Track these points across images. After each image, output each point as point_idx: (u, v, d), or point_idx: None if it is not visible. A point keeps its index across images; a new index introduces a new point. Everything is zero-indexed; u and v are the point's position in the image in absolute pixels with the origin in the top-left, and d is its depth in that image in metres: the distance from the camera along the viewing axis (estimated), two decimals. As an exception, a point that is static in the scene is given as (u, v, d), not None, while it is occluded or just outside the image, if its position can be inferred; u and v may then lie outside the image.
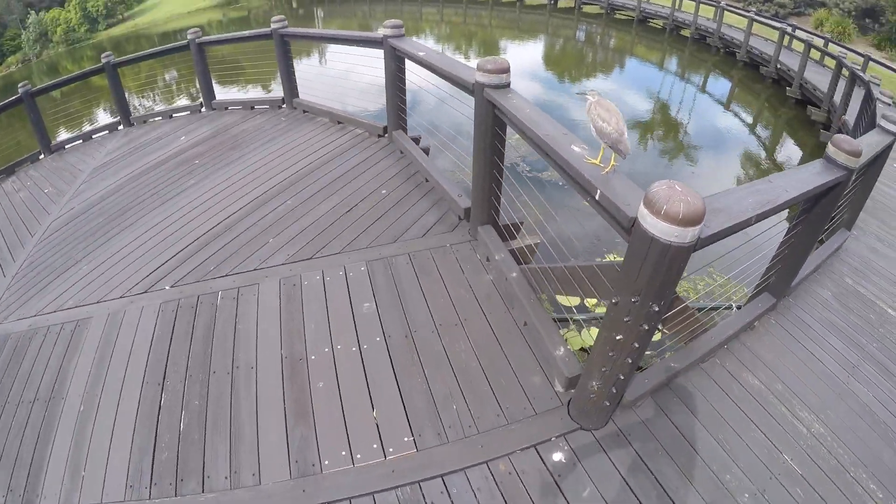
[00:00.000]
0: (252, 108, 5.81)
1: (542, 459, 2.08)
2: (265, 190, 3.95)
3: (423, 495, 1.97)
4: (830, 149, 2.30)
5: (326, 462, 2.08)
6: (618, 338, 1.82)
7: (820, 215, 2.45)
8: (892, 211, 4.58)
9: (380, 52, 4.15)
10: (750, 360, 2.57)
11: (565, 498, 1.97)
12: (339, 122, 4.99)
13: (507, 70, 2.63)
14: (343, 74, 6.55)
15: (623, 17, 19.46)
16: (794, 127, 10.62)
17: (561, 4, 21.69)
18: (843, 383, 2.54)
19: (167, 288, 3.06)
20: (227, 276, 3.08)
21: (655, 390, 2.30)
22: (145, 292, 3.07)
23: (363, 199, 3.65)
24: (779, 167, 8.98)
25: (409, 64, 3.98)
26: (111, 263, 3.53)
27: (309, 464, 2.08)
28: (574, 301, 4.61)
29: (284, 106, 5.59)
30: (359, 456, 2.09)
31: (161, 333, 2.77)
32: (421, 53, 3.62)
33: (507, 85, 2.65)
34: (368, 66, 4.52)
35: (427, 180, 3.80)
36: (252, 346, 2.61)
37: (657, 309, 1.71)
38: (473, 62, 2.88)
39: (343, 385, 2.38)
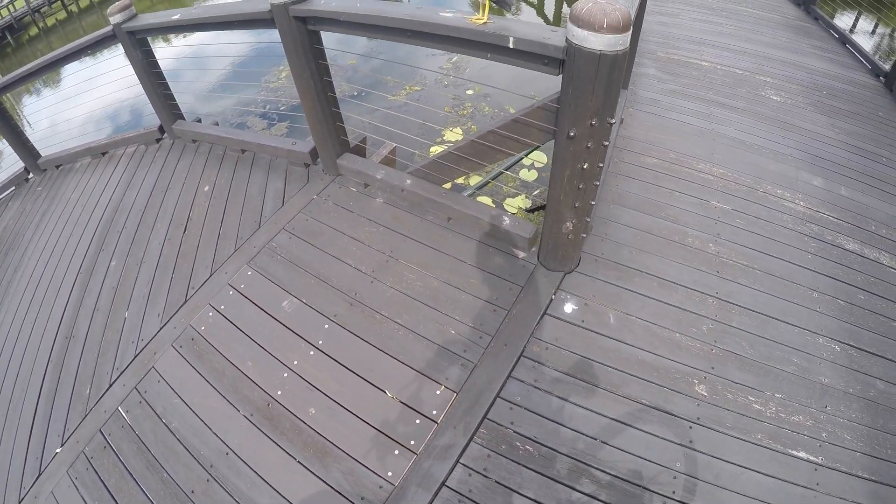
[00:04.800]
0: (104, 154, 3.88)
1: (560, 318, 2.05)
2: (76, 268, 2.93)
3: (496, 423, 1.80)
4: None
5: (390, 473, 1.74)
6: (584, 167, 1.78)
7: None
8: None
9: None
10: (638, 146, 2.83)
11: (600, 333, 2.00)
12: (102, 154, 3.87)
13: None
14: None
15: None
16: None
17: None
18: (710, 130, 2.98)
19: (59, 451, 2.14)
20: (111, 386, 2.24)
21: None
22: (40, 475, 2.10)
23: (191, 211, 2.93)
24: None
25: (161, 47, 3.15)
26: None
27: (376, 488, 1.72)
28: (473, 179, 4.56)
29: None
30: (413, 442, 1.80)
31: (97, 501, 1.94)
32: (175, 16, 2.87)
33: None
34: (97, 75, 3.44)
35: (244, 151, 3.20)
36: (204, 431, 1.98)
37: (613, 120, 1.69)
38: None
39: (335, 394, 1.98)
